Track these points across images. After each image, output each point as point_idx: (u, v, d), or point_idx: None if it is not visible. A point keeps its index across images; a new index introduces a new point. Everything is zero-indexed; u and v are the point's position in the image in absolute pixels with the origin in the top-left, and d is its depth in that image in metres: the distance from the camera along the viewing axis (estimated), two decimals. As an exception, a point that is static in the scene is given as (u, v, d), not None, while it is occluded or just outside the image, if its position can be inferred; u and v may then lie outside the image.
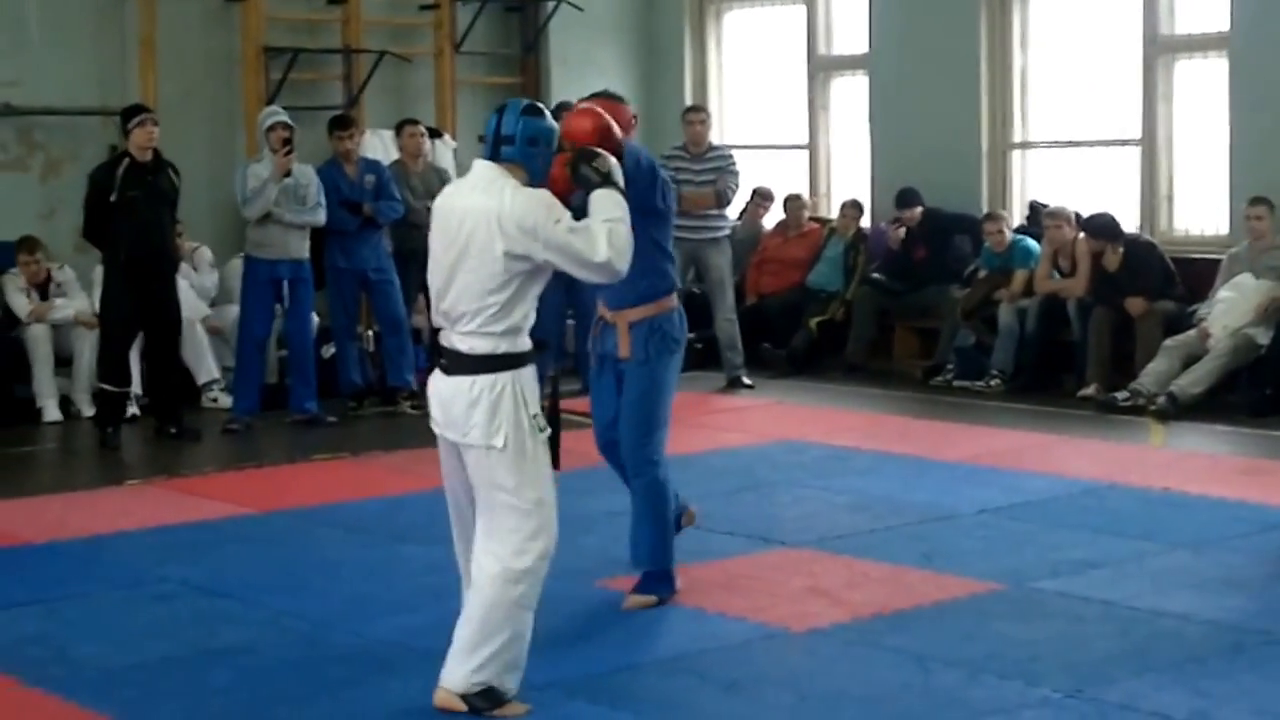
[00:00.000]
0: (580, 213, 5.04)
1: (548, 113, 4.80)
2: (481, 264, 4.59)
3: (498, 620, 4.60)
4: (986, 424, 9.18)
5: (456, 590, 5.74)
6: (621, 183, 4.79)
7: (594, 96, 5.90)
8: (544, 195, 4.65)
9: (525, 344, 4.68)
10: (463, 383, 4.61)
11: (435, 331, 4.87)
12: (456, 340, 4.66)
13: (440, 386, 4.70)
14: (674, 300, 5.81)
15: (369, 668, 5.05)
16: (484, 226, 4.58)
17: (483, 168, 4.72)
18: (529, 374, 4.68)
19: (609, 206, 4.71)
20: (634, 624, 5.50)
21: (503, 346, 4.62)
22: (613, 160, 4.82)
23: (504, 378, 4.60)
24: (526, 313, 4.68)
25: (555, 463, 4.76)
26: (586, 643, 5.29)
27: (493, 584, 4.60)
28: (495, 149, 4.70)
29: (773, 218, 12.03)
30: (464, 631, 4.63)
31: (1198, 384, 9.23)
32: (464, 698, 4.59)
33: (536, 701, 4.71)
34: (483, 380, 4.60)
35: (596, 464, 8.15)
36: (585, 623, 5.52)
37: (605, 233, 4.63)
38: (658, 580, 5.71)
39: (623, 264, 4.67)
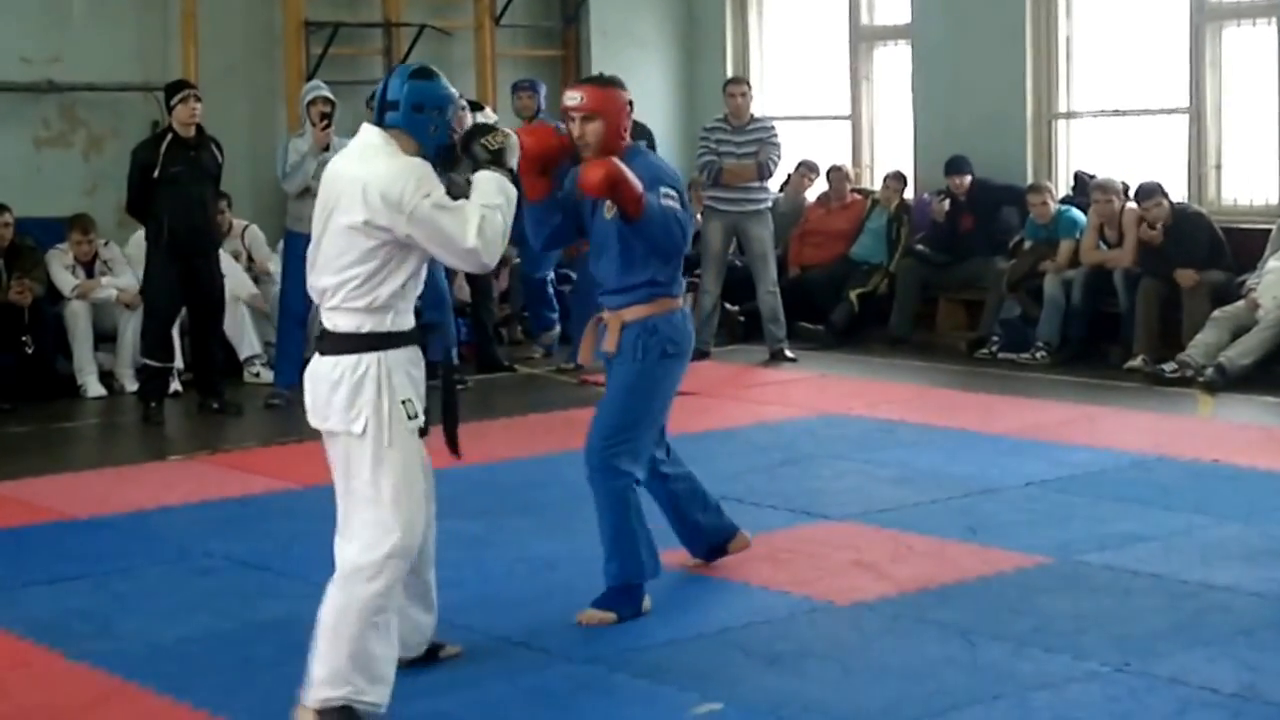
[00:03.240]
0: (567, 204, 4.99)
1: (441, 77, 4.47)
2: (343, 233, 4.29)
3: (350, 626, 4.24)
4: (1032, 396, 9.11)
5: (496, 566, 5.76)
6: (514, 163, 4.47)
7: (587, 82, 5.46)
8: (417, 166, 4.31)
9: (398, 324, 4.33)
10: (326, 363, 4.32)
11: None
12: (324, 317, 4.38)
13: (311, 369, 4.40)
14: (677, 303, 5.37)
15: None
16: (349, 194, 4.28)
17: (368, 133, 4.43)
18: (401, 356, 4.32)
19: (490, 190, 4.36)
20: (677, 598, 5.47)
21: (368, 325, 4.29)
22: (510, 138, 4.50)
23: (368, 359, 4.27)
24: (397, 290, 4.32)
25: (454, 449, 4.52)
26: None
27: (343, 586, 4.29)
28: (380, 114, 4.41)
29: (817, 190, 11.98)
30: (318, 642, 4.29)
31: (1246, 355, 9.13)
32: (319, 715, 4.24)
33: (579, 676, 4.70)
34: (346, 361, 4.28)
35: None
36: (628, 597, 5.49)
37: (478, 218, 4.27)
38: (619, 595, 5.24)
39: (490, 255, 4.33)
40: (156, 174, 8.85)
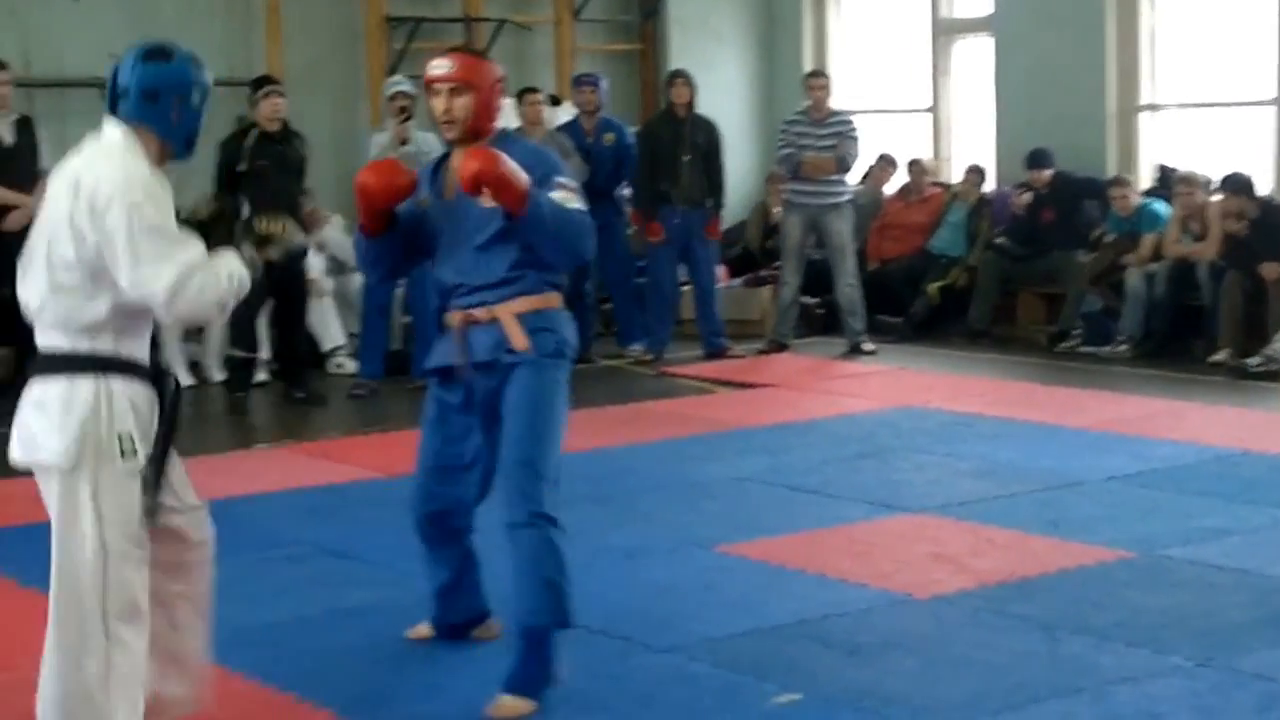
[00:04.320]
0: (409, 225, 4.42)
1: (179, 55, 3.78)
2: (53, 238, 3.68)
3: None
4: (1114, 390, 9.05)
5: (575, 555, 5.78)
6: (273, 256, 3.88)
7: (457, 50, 4.72)
8: (144, 179, 3.66)
9: (121, 350, 3.70)
10: (34, 389, 3.73)
11: None
12: (37, 336, 3.78)
13: (23, 396, 3.78)
14: (558, 300, 4.58)
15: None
16: (63, 193, 3.68)
17: (108, 130, 3.76)
18: (122, 386, 3.69)
19: (230, 264, 3.75)
20: (755, 589, 5.48)
21: (84, 345, 3.68)
22: (278, 238, 3.92)
23: (90, 382, 3.67)
24: (114, 311, 3.68)
25: (149, 511, 3.77)
26: (706, 607, 5.28)
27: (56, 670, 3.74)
28: (112, 104, 3.75)
29: (895, 184, 11.95)
30: None
31: (1333, 349, 9.03)
32: None
33: (658, 665, 4.71)
34: (62, 382, 3.68)
35: (714, 429, 8.24)
36: (706, 587, 5.50)
37: (185, 270, 3.60)
38: (540, 647, 4.39)
39: (172, 310, 3.64)
40: (242, 168, 8.98)
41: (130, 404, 3.71)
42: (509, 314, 4.43)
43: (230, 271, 3.74)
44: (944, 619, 5.14)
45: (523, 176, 4.31)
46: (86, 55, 10.23)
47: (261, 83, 9.28)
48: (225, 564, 5.87)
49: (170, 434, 3.82)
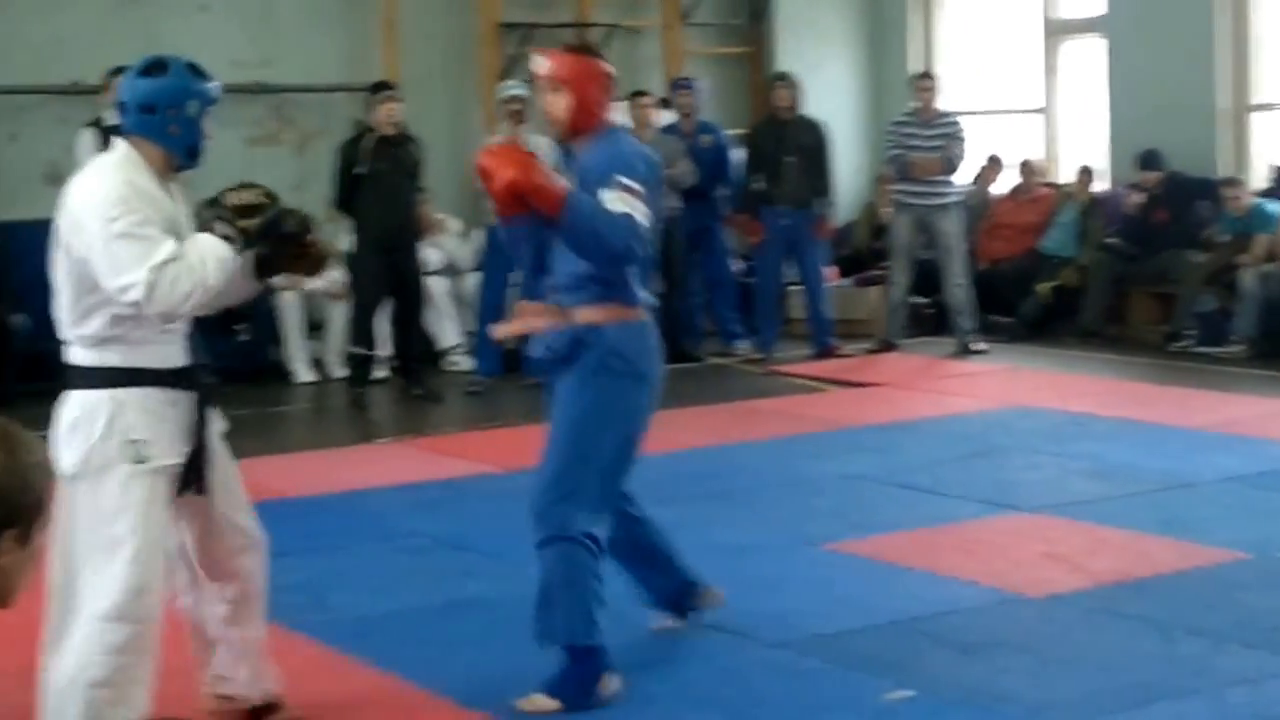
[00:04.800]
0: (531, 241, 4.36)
1: (176, 67, 3.89)
2: (57, 253, 3.86)
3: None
4: (1229, 390, 8.95)
5: (687, 552, 5.81)
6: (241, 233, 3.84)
7: (562, 49, 4.72)
8: (120, 186, 3.75)
9: (132, 359, 3.82)
10: (63, 400, 3.88)
11: None
12: (64, 351, 3.94)
13: None
14: (633, 313, 4.48)
15: (612, 624, 4.96)
16: (63, 210, 3.85)
17: (115, 145, 3.92)
18: (135, 396, 3.81)
19: (200, 247, 3.77)
20: (866, 586, 5.48)
21: (93, 358, 3.82)
22: (273, 218, 3.90)
23: (97, 395, 3.80)
24: (114, 322, 3.81)
25: (199, 488, 3.93)
26: (818, 604, 5.29)
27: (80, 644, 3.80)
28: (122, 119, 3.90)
29: (1001, 184, 11.89)
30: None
31: None
32: None
33: (772, 660, 4.74)
34: (76, 397, 3.83)
35: (824, 428, 8.26)
36: (818, 584, 5.52)
37: (159, 264, 3.69)
38: (576, 661, 4.43)
39: (154, 305, 3.72)
40: (360, 170, 9.15)
41: (144, 411, 3.82)
42: (567, 320, 4.44)
43: (202, 255, 3.76)
44: (1057, 618, 5.11)
45: (558, 183, 4.31)
46: (211, 62, 10.32)
47: (378, 88, 9.45)
48: (345, 554, 6.06)
49: (202, 437, 3.92)
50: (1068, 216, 11.31)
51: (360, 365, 9.41)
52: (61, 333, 3.91)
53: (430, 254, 10.17)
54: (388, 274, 9.28)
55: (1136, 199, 10.80)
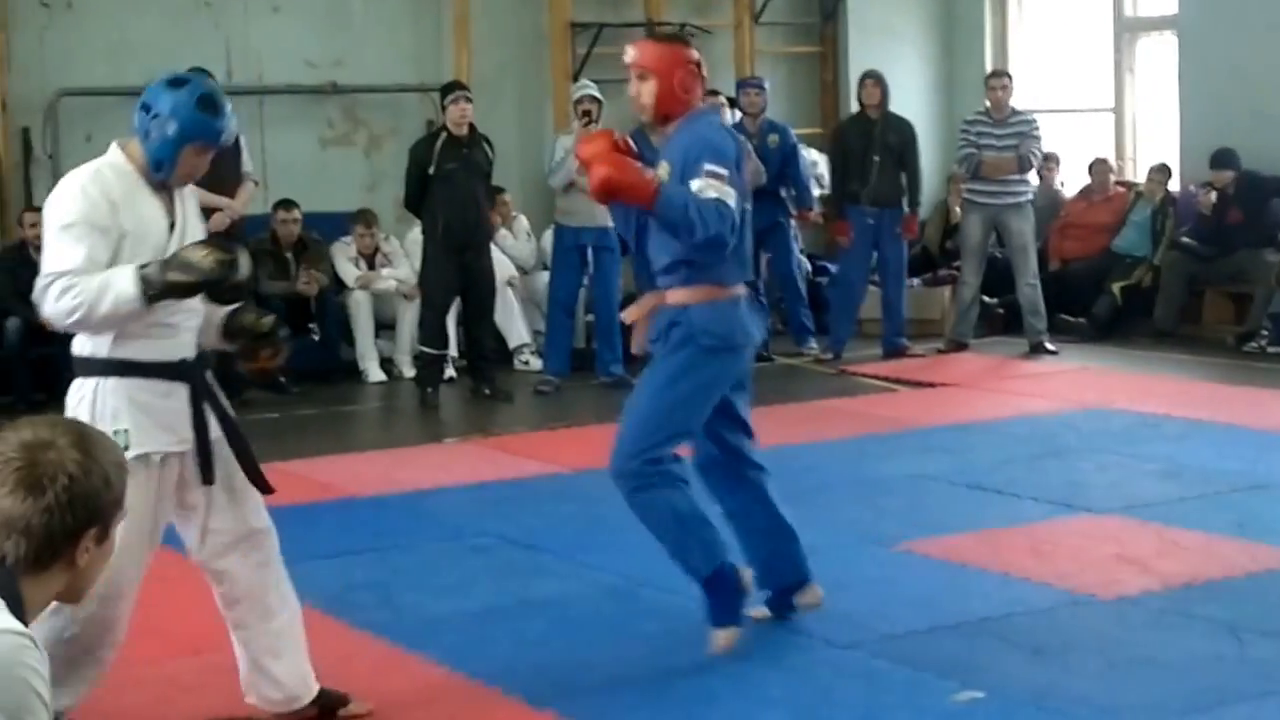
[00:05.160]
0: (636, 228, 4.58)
1: (189, 92, 3.99)
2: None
3: None
4: (1305, 392, 8.85)
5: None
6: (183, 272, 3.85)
7: (647, 38, 5.04)
8: (79, 189, 3.92)
9: (119, 350, 3.94)
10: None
11: None
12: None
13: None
14: (724, 291, 4.69)
15: (680, 623, 5.07)
16: None
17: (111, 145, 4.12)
18: (123, 385, 3.94)
19: (109, 277, 3.82)
20: (935, 587, 5.46)
21: (87, 348, 3.98)
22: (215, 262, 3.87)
23: (88, 384, 3.96)
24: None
25: (206, 478, 4.02)
26: (887, 604, 5.26)
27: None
28: None
29: (1061, 182, 11.82)
30: None
31: None
32: None
33: (840, 661, 4.72)
34: (74, 385, 4.00)
35: (894, 428, 8.23)
36: (887, 585, 5.50)
37: (60, 272, 3.82)
38: (718, 594, 4.73)
39: (49, 311, 3.86)
40: (432, 171, 9.20)
41: (129, 401, 3.93)
42: (659, 303, 4.70)
43: (106, 284, 3.82)
44: (1128, 620, 5.08)
45: (649, 180, 4.51)
46: (284, 63, 10.59)
47: (450, 88, 9.50)
48: (414, 554, 6.10)
49: (204, 425, 4.01)
50: (1141, 216, 11.21)
51: (429, 365, 9.47)
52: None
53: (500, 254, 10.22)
54: (459, 274, 9.33)
55: (1208, 198, 10.69)
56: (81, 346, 4.00)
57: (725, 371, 4.71)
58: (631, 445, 4.68)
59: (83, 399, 3.96)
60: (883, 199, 10.41)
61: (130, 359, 3.96)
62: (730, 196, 4.52)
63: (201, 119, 3.98)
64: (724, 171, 4.53)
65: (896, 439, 7.98)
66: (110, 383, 3.94)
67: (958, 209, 11.32)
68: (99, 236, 3.89)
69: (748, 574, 4.81)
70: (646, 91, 4.64)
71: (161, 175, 4.00)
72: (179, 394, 4.01)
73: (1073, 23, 12.35)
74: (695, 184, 4.51)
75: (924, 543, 5.94)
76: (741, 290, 4.73)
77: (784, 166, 10.61)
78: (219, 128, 4.02)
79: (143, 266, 3.86)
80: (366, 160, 10.92)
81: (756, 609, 5.04)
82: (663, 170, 4.62)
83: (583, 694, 4.53)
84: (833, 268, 11.34)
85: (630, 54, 4.73)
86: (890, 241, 10.49)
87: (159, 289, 3.84)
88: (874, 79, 10.61)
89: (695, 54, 4.74)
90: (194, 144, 3.98)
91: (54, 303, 3.85)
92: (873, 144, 10.42)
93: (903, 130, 10.53)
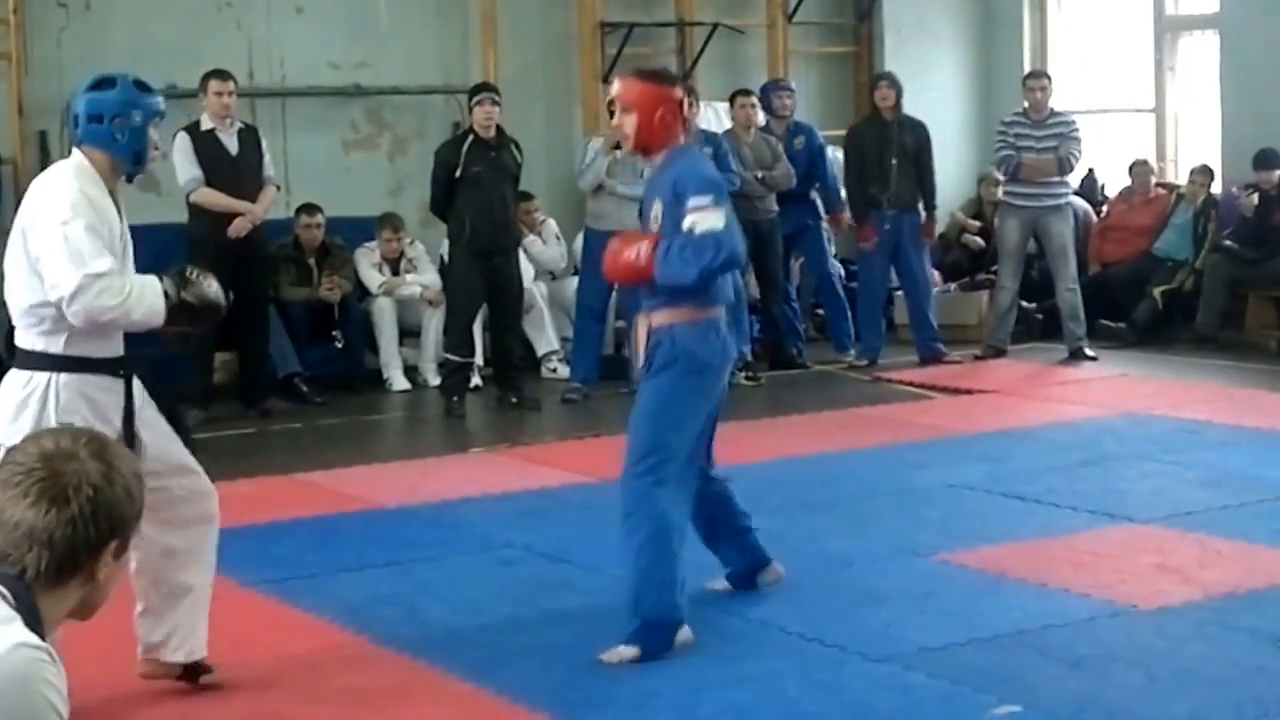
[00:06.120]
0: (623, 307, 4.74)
1: (123, 82, 4.29)
2: (9, 253, 4.26)
3: None
4: (1350, 398, 8.69)
5: (791, 562, 5.70)
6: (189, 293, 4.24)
7: (632, 73, 5.21)
8: (75, 192, 4.15)
9: (74, 348, 4.19)
10: (8, 378, 4.26)
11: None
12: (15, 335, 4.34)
13: None
14: (703, 313, 4.94)
15: (709, 637, 5.02)
16: (24, 207, 4.28)
17: (73, 152, 4.34)
18: (69, 380, 4.19)
19: (143, 283, 4.17)
20: (973, 599, 5.37)
21: (39, 344, 4.21)
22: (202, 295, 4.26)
23: (39, 377, 4.18)
24: (60, 313, 4.18)
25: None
26: (925, 616, 5.20)
27: None
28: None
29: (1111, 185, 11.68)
30: None
31: None
32: None
33: (874, 674, 4.65)
34: (20, 376, 4.23)
35: (931, 436, 8.11)
36: (924, 596, 5.42)
37: (95, 274, 4.06)
38: (649, 631, 4.87)
39: (79, 313, 4.10)
40: (458, 174, 9.10)
41: (81, 395, 4.21)
42: (649, 325, 4.98)
43: (141, 289, 4.18)
44: (1169, 631, 4.99)
45: (643, 257, 4.82)
46: (307, 65, 10.51)
47: (477, 90, 9.41)
48: (439, 566, 6.01)
49: (131, 415, 4.29)
50: (1182, 218, 11.05)
51: (455, 372, 9.36)
52: (13, 318, 4.30)
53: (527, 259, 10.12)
54: (486, 279, 9.23)
55: (1251, 200, 10.52)
56: (33, 342, 4.23)
57: (709, 389, 4.97)
58: (630, 468, 4.93)
59: (32, 392, 4.18)
60: (902, 202, 10.31)
61: (84, 355, 4.22)
62: (720, 220, 4.79)
63: (149, 99, 4.31)
64: (708, 200, 4.81)
65: (933, 447, 7.86)
66: (64, 378, 4.19)
67: (972, 222, 11.20)
68: (103, 235, 4.15)
69: (685, 635, 4.91)
70: (628, 124, 4.94)
71: (141, 165, 4.30)
72: (117, 388, 4.29)
73: (1113, 21, 12.21)
74: (686, 223, 4.78)
75: (962, 553, 5.84)
76: (720, 312, 4.99)
77: (810, 168, 10.52)
78: (160, 101, 4.38)
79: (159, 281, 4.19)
80: (390, 164, 10.83)
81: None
82: (656, 210, 4.91)
83: (611, 709, 4.47)
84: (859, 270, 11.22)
85: (615, 88, 5.08)
86: (910, 246, 10.38)
87: (175, 305, 4.18)
88: (888, 81, 10.52)
89: (679, 92, 5.03)
90: (153, 121, 4.30)
91: (92, 301, 4.08)
92: (889, 147, 10.31)
93: (918, 133, 10.42)
